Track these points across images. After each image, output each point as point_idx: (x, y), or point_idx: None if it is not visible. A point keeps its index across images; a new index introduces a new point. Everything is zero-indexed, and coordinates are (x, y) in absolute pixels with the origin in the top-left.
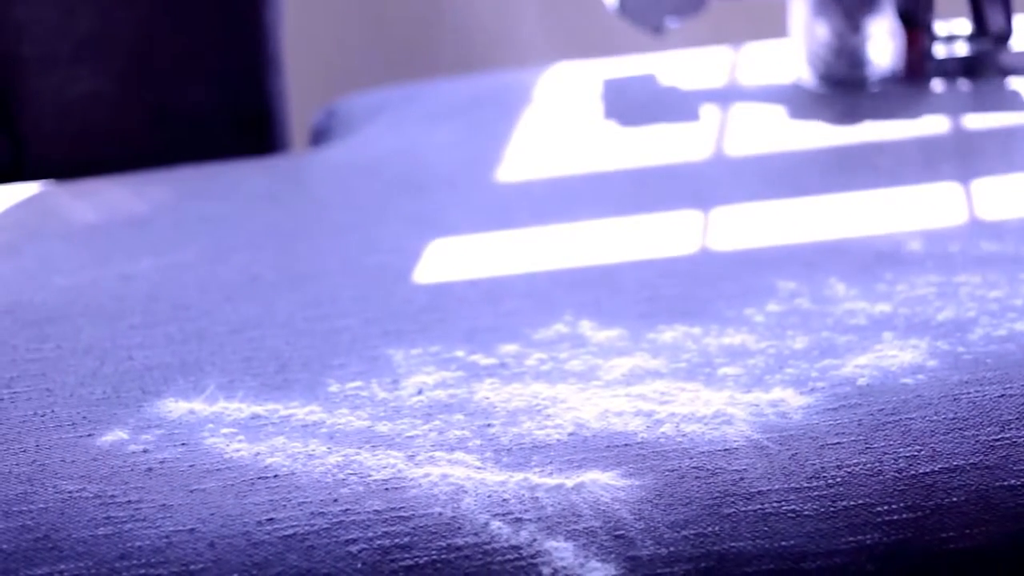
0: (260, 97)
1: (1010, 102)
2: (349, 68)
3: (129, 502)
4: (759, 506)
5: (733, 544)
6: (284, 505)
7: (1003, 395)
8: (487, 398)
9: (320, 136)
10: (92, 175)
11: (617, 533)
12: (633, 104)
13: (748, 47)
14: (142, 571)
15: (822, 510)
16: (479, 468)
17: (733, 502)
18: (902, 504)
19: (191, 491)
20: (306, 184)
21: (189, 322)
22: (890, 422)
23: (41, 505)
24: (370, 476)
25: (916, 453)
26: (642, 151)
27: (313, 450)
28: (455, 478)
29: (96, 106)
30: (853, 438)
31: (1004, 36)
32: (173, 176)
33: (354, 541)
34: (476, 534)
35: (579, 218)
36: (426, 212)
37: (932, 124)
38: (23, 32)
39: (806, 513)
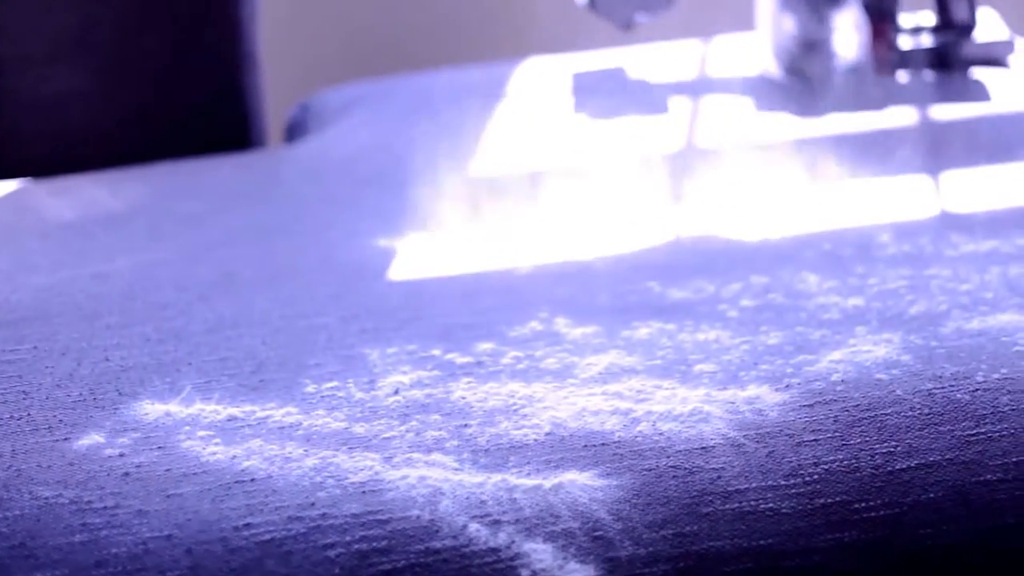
0: (236, 93)
1: (974, 93)
2: (323, 63)
3: (105, 508)
4: (737, 505)
5: (712, 544)
6: (261, 510)
7: (977, 389)
8: (463, 398)
9: (295, 131)
10: (69, 173)
11: (596, 534)
12: (604, 97)
13: (716, 40)
14: None
15: (800, 508)
16: (456, 469)
17: (711, 501)
18: (879, 501)
19: (168, 496)
20: (281, 180)
21: (165, 321)
22: (866, 418)
23: (17, 512)
24: (347, 479)
25: (892, 449)
26: (614, 144)
27: (290, 452)
28: (432, 480)
29: (73, 104)
30: (829, 435)
31: (968, 28)
32: (149, 173)
33: (332, 546)
34: (454, 537)
35: (553, 213)
36: (401, 207)
37: (898, 115)
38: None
39: (784, 511)
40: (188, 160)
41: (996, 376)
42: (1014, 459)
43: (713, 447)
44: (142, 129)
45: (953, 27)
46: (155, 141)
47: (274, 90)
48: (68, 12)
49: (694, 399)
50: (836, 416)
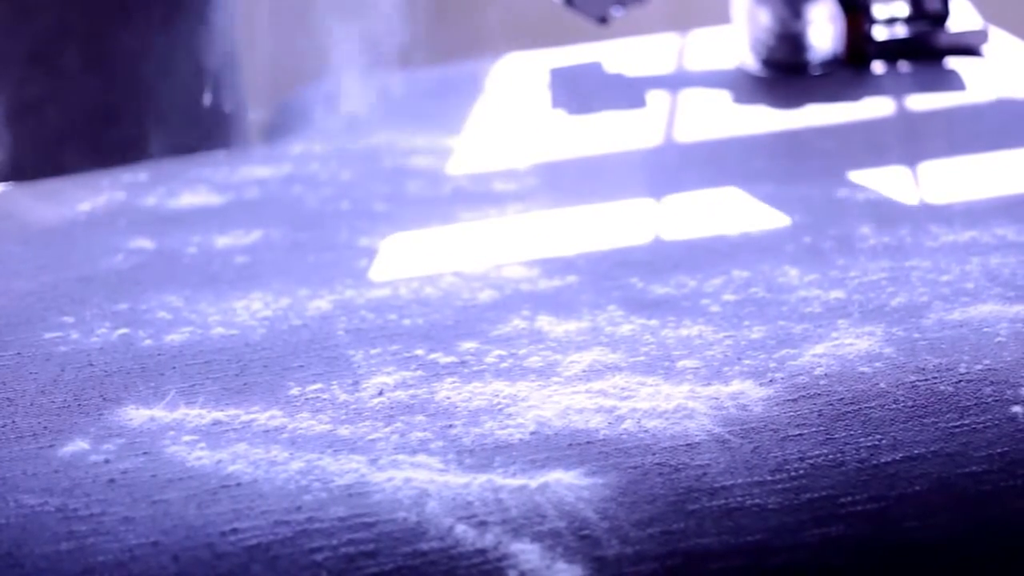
0: (216, 93)
1: (949, 82)
2: (302, 63)
3: (91, 515)
4: (723, 501)
5: (699, 541)
6: (247, 514)
7: (960, 381)
8: (448, 398)
9: (274, 131)
10: (49, 176)
11: (583, 533)
12: (581, 92)
13: (693, 34)
14: None
15: (786, 503)
16: (442, 471)
17: (697, 498)
18: (865, 495)
19: (153, 502)
20: (260, 180)
21: (149, 325)
22: (850, 412)
23: (3, 521)
24: (333, 482)
25: (877, 443)
26: (593, 139)
27: (275, 456)
28: (418, 482)
29: (52, 107)
30: (814, 429)
31: (941, 18)
32: (130, 175)
33: (319, 550)
34: (441, 539)
35: (533, 209)
36: (378, 207)
37: (874, 107)
38: None
39: (770, 507)
40: (168, 161)
41: (979, 367)
42: (998, 450)
43: (698, 444)
44: (121, 130)
45: (927, 17)
46: (135, 142)
47: (254, 90)
48: (46, 15)
49: (678, 395)
50: (820, 410)
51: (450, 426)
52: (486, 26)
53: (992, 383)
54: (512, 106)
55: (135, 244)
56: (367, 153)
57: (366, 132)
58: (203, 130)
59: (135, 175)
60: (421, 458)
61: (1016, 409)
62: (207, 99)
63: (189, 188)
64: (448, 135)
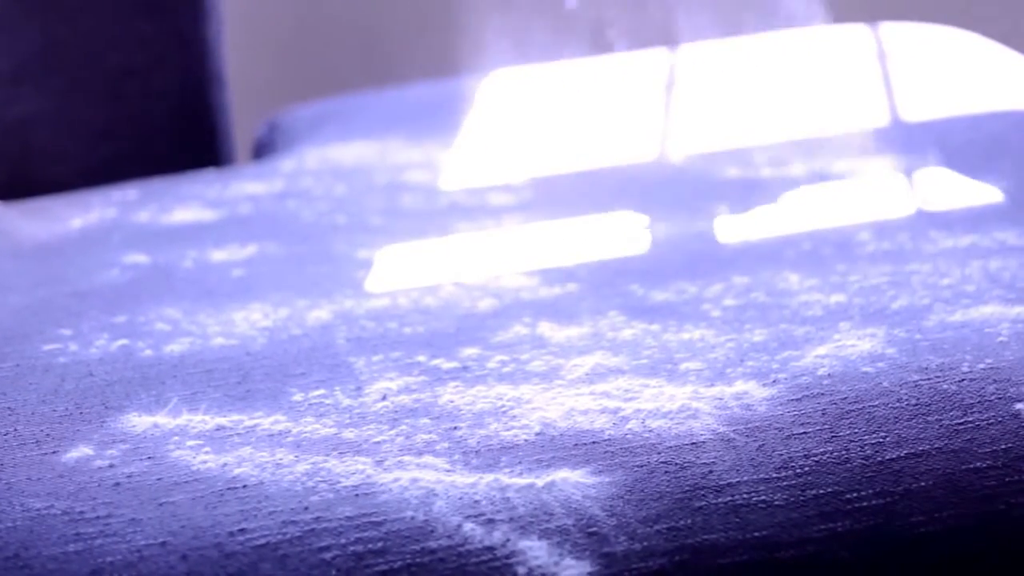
0: (203, 111)
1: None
2: (291, 81)
3: (98, 518)
4: (729, 498)
5: (706, 537)
6: (255, 515)
7: (963, 380)
8: (452, 401)
9: (263, 149)
10: (36, 195)
11: (590, 530)
12: (575, 106)
13: (684, 48)
14: None
15: (792, 499)
16: (448, 471)
17: (703, 495)
18: (871, 491)
19: (160, 504)
20: (253, 196)
21: (148, 336)
22: (854, 410)
23: (9, 524)
24: (339, 483)
25: (882, 440)
26: (588, 153)
27: (281, 459)
28: (425, 482)
29: (38, 126)
30: (819, 427)
31: None
32: (120, 193)
33: (327, 548)
34: (449, 536)
35: (530, 221)
36: (374, 221)
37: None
38: None
39: (776, 503)
40: (157, 179)
41: (981, 366)
42: (1003, 446)
43: (703, 442)
44: (109, 149)
45: None
46: (122, 161)
47: (243, 108)
48: (32, 33)
49: (682, 396)
50: (824, 409)
51: (455, 428)
52: (476, 40)
53: (995, 381)
54: (505, 120)
55: (130, 259)
56: (360, 169)
57: (357, 148)
58: (192, 148)
59: (125, 193)
60: (427, 459)
61: (1019, 406)
62: (196, 117)
63: (181, 204)
64: (442, 149)
